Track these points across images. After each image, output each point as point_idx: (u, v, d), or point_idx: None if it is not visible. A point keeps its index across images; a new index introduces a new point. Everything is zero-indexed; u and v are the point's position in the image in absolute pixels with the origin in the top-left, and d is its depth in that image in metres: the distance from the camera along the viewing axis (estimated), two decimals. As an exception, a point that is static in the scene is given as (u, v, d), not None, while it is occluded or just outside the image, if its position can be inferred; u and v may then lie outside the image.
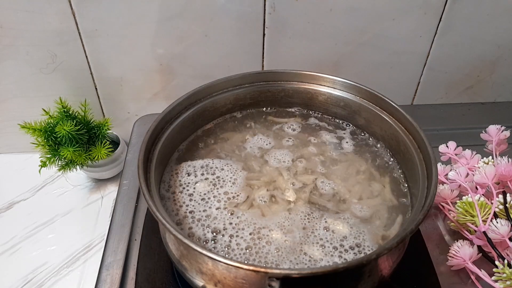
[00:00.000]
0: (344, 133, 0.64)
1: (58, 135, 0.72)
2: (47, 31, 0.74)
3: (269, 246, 0.49)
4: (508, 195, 0.60)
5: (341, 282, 0.45)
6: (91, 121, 0.78)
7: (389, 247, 0.42)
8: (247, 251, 0.49)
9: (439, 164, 0.68)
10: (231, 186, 0.56)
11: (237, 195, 0.55)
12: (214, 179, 0.57)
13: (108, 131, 0.78)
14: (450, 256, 0.58)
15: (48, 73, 0.79)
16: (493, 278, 0.53)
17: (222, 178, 0.57)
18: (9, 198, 0.82)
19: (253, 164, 0.59)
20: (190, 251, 0.47)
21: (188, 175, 0.57)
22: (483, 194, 0.60)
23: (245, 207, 0.54)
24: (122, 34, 0.76)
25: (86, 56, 0.78)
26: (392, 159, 0.60)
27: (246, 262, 0.48)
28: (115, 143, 0.85)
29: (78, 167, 0.77)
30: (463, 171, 0.62)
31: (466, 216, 0.59)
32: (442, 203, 0.64)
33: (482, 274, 0.54)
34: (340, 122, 0.66)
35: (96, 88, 0.83)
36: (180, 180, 0.57)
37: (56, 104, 0.74)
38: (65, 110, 0.74)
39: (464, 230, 0.61)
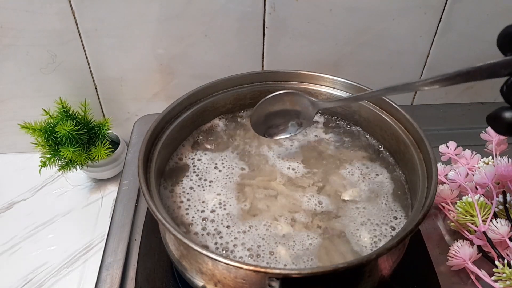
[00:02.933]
0: (343, 133, 0.64)
1: (58, 135, 0.72)
2: (47, 31, 0.74)
3: (271, 244, 0.49)
4: (508, 195, 0.60)
5: (341, 282, 0.45)
6: (91, 121, 0.78)
7: (389, 247, 0.42)
8: (247, 251, 0.49)
9: (439, 164, 0.68)
10: (230, 186, 0.56)
11: (237, 195, 0.55)
12: (214, 178, 0.57)
13: (108, 131, 0.79)
14: (450, 256, 0.58)
15: (48, 73, 0.79)
16: (493, 278, 0.53)
17: (222, 178, 0.57)
18: (9, 198, 0.82)
19: (254, 164, 0.59)
20: (190, 251, 0.47)
21: (189, 175, 0.57)
22: (483, 194, 0.60)
23: (245, 206, 0.54)
24: (122, 34, 0.76)
25: (86, 56, 0.78)
26: (392, 159, 0.60)
27: (248, 261, 0.48)
28: (115, 143, 0.85)
29: (78, 167, 0.77)
30: (463, 171, 0.62)
31: (466, 216, 0.59)
32: (442, 203, 0.64)
33: (482, 274, 0.54)
34: (340, 122, 0.66)
35: (96, 88, 0.83)
36: (180, 180, 0.57)
37: (56, 104, 0.74)
38: (65, 110, 0.74)
39: (464, 230, 0.61)
